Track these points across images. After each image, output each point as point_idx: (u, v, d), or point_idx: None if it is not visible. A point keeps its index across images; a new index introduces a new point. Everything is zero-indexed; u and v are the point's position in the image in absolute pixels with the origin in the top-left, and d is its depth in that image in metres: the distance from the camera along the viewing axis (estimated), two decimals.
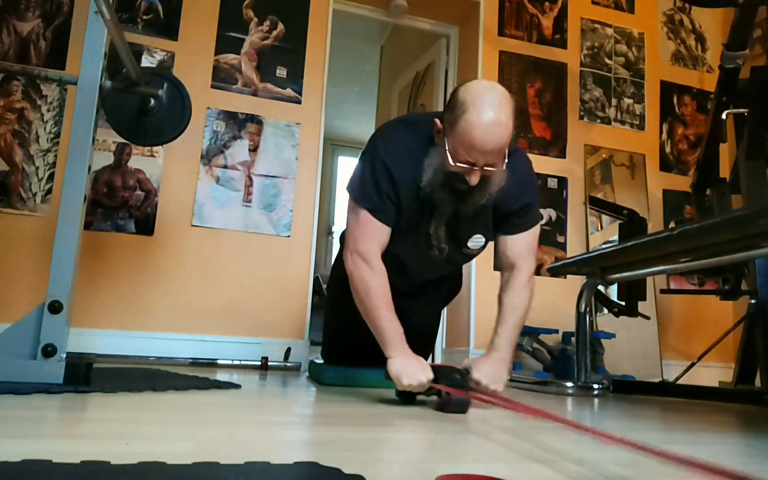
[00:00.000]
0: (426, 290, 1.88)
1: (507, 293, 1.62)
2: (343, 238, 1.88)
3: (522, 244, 1.63)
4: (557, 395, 2.23)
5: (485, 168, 1.38)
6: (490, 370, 1.51)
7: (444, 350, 3.39)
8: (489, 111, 1.32)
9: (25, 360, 1.42)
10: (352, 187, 1.57)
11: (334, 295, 2.06)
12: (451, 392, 1.35)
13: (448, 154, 1.39)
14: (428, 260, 1.64)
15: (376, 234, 1.52)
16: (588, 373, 2.37)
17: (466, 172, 1.39)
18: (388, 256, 1.56)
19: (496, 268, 1.74)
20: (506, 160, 1.41)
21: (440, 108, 3.61)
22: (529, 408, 1.13)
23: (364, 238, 1.51)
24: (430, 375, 1.42)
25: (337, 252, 2.03)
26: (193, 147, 2.86)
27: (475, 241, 1.63)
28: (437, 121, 1.46)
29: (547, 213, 3.35)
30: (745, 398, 2.26)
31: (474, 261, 3.00)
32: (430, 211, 1.54)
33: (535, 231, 1.66)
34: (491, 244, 1.70)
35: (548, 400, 2.00)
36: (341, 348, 2.10)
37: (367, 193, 1.51)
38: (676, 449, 0.68)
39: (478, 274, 3.16)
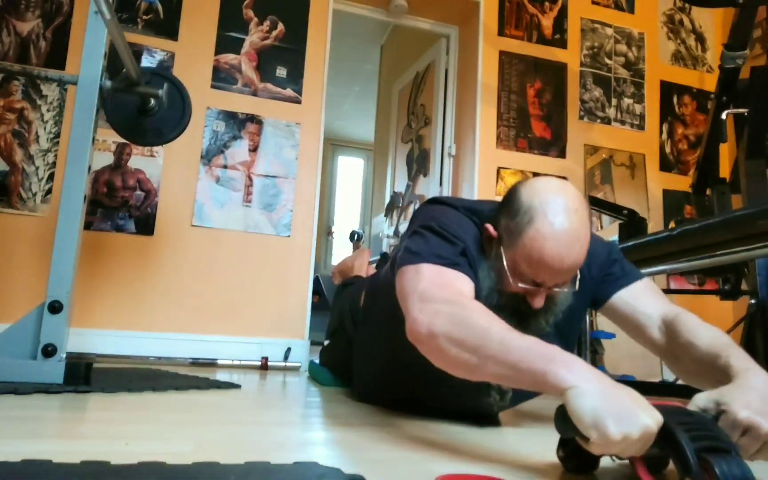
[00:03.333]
0: None
1: (692, 336, 1.08)
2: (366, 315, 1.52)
3: (646, 292, 1.24)
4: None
5: (554, 289, 1.09)
6: (762, 402, 0.81)
7: None
8: (564, 221, 1.01)
9: (25, 360, 1.42)
10: (409, 255, 1.10)
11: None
12: (707, 459, 0.68)
13: (507, 272, 1.08)
14: (482, 407, 1.27)
15: (452, 282, 1.05)
16: None
17: (528, 293, 1.09)
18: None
19: (654, 348, 1.23)
20: (578, 278, 1.11)
21: (440, 108, 3.61)
22: None
23: (434, 286, 1.02)
24: (659, 418, 0.74)
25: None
26: (193, 147, 2.86)
27: None
28: (489, 227, 1.14)
29: None
30: None
31: None
32: None
33: (648, 282, 1.27)
34: None
35: (548, 400, 1.99)
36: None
37: (435, 251, 1.09)
38: None
39: None
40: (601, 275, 1.25)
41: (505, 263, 1.09)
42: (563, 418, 0.77)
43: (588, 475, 0.86)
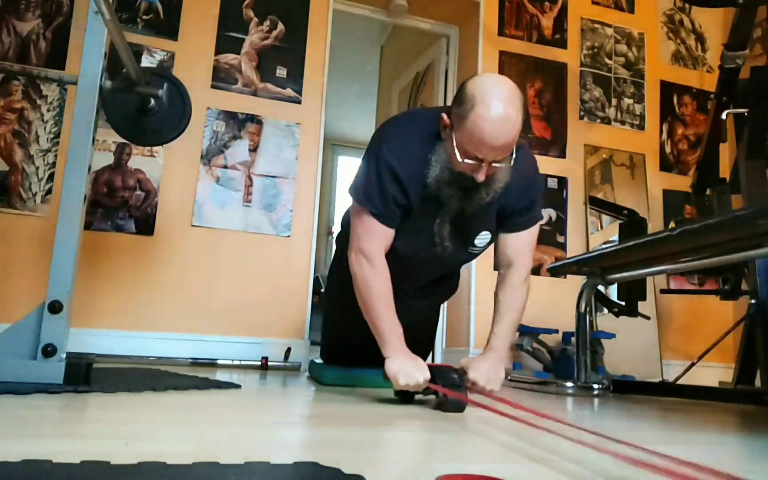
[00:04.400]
0: (428, 289, 1.88)
1: (503, 291, 1.63)
2: (341, 235, 1.88)
3: (521, 243, 1.63)
4: (557, 395, 2.23)
5: (492, 164, 1.37)
6: (487, 370, 1.52)
7: (444, 350, 3.39)
8: (499, 106, 1.30)
9: (25, 360, 1.42)
10: (355, 189, 1.55)
11: (334, 295, 2.05)
12: (447, 393, 1.37)
13: (456, 150, 1.37)
14: (432, 259, 1.63)
15: (379, 235, 1.52)
16: (588, 373, 2.37)
17: (473, 169, 1.38)
18: (390, 254, 1.56)
19: (495, 268, 1.75)
20: (513, 156, 1.41)
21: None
22: (522, 407, 1.15)
23: (367, 237, 1.52)
24: (427, 375, 1.44)
25: (335, 250, 2.02)
26: (193, 147, 2.86)
27: (482, 239, 1.63)
28: (444, 116, 1.44)
29: (547, 213, 3.35)
30: (745, 398, 2.26)
31: (474, 261, 2.99)
32: (435, 208, 1.53)
33: (534, 230, 1.66)
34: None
35: (548, 400, 2.00)
36: (340, 348, 2.10)
37: (370, 196, 1.49)
38: (676, 449, 0.68)
39: (478, 274, 3.16)
40: (516, 208, 1.59)
41: (454, 143, 1.38)
42: (384, 372, 1.48)
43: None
